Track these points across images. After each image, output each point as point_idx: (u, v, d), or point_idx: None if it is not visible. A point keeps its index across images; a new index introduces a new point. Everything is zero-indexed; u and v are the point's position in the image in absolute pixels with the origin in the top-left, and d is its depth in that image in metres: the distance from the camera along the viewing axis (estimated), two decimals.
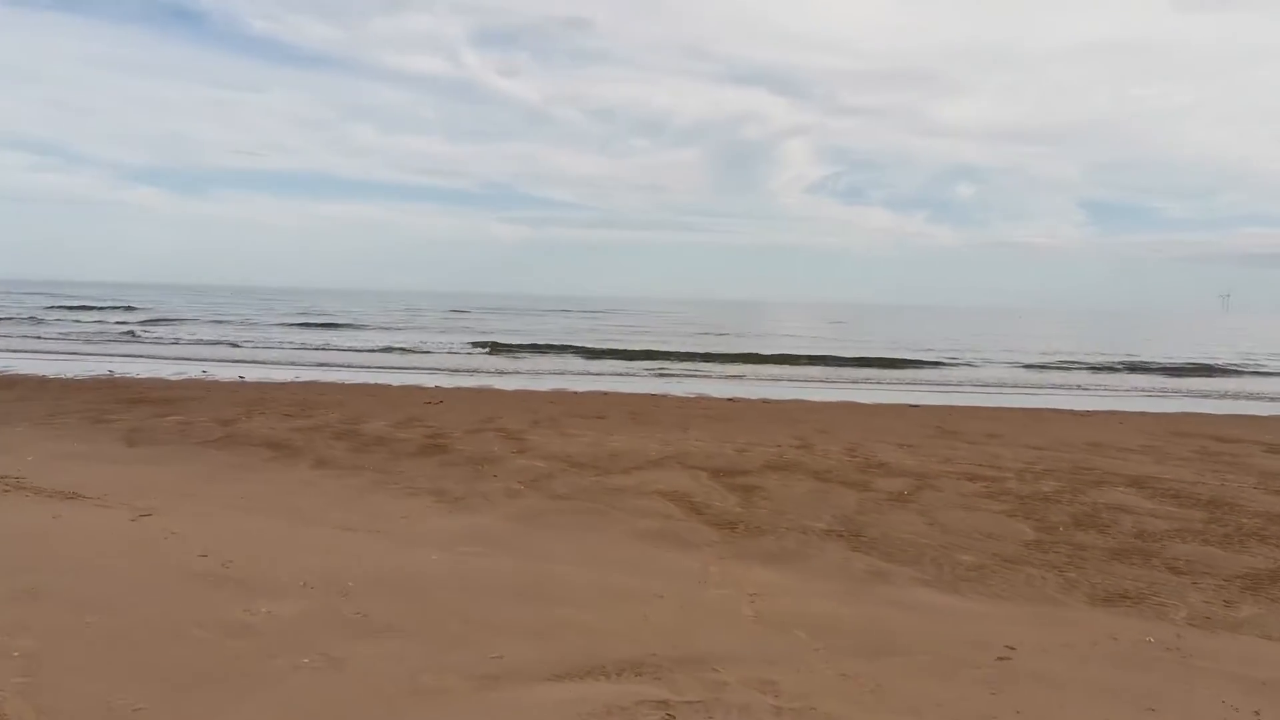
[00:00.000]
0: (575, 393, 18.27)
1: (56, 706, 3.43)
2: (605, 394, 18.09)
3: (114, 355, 26.06)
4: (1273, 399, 21.38)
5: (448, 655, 4.08)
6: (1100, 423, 14.47)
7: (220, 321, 48.53)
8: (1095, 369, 30.66)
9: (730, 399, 17.62)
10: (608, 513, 7.35)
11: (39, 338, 32.85)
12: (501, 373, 24.12)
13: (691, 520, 7.13)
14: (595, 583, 5.35)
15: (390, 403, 14.77)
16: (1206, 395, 22.20)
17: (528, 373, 24.50)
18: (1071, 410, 16.65)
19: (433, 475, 8.66)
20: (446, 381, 20.22)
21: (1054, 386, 24.09)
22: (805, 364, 29.87)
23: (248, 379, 18.88)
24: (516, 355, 31.87)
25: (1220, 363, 33.55)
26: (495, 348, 33.92)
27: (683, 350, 33.78)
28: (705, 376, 24.82)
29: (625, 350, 33.15)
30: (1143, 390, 23.71)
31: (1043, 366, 30.67)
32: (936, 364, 30.70)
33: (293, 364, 24.61)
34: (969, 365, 30.88)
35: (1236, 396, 21.89)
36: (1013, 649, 4.40)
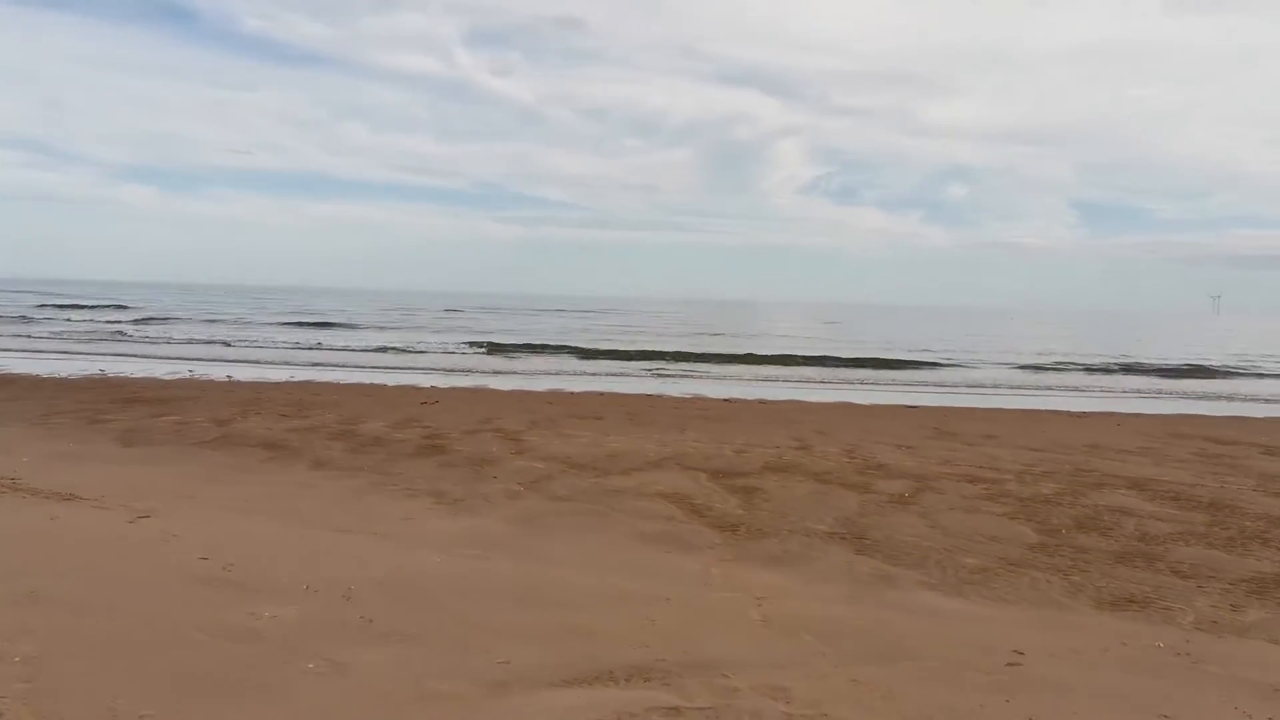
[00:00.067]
0: (571, 393, 18.23)
1: (59, 712, 3.38)
2: (601, 394, 18.05)
3: (105, 354, 25.91)
4: (1268, 400, 21.44)
5: (454, 661, 4.04)
6: (1097, 424, 14.48)
7: (213, 320, 48.36)
8: (1090, 370, 30.73)
9: (726, 399, 17.59)
10: (608, 514, 7.31)
11: (29, 336, 32.67)
12: (497, 373, 24.05)
13: (693, 522, 7.10)
14: (598, 586, 5.31)
15: (386, 403, 14.70)
16: (1202, 397, 22.26)
17: (523, 373, 24.43)
18: (1068, 411, 16.67)
19: (431, 476, 8.61)
20: (442, 381, 20.15)
21: (1049, 388, 24.11)
22: (800, 364, 29.86)
23: (242, 379, 18.78)
24: (513, 355, 31.81)
25: (1215, 364, 33.64)
26: (493, 348, 33.85)
27: (677, 350, 33.75)
28: (700, 377, 24.80)
29: (620, 350, 33.12)
30: (1138, 392, 23.76)
31: (1037, 368, 30.72)
32: (932, 365, 30.73)
33: (287, 364, 24.49)
34: (964, 366, 30.91)
35: (1231, 398, 21.94)
36: (1021, 654, 4.37)
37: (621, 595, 5.13)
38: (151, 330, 38.32)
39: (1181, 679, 4.15)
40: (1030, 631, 4.76)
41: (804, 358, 31.91)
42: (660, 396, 17.82)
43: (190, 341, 32.98)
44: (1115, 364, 32.79)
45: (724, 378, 24.74)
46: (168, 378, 18.61)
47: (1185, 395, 22.78)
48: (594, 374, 24.60)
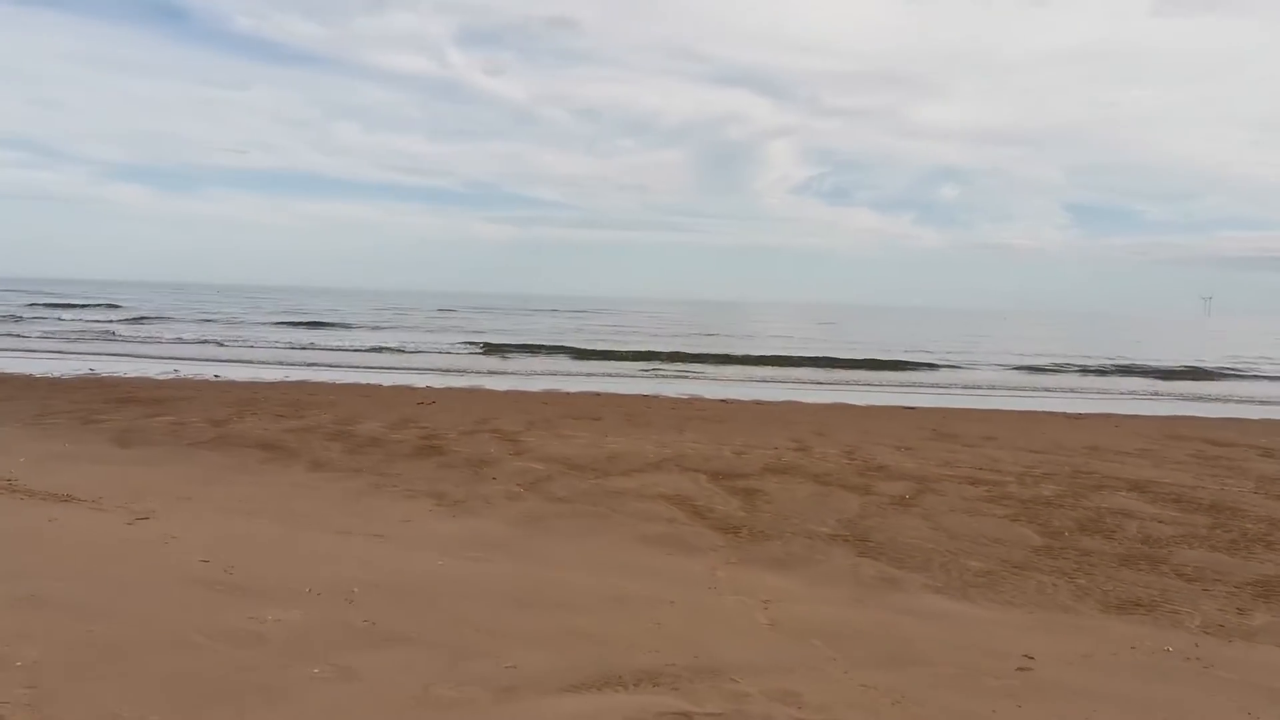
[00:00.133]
0: (568, 393, 18.17)
1: (62, 718, 3.33)
2: (598, 394, 18.00)
3: (97, 354, 25.77)
4: (1263, 402, 21.51)
5: (460, 665, 4.00)
6: (1095, 425, 14.49)
7: (206, 320, 48.14)
8: (1086, 371, 30.79)
9: (723, 400, 17.56)
10: (609, 516, 7.27)
11: (20, 336, 32.49)
12: (492, 373, 23.99)
13: (695, 524, 7.06)
14: (602, 589, 5.27)
15: (383, 403, 14.64)
16: (1198, 398, 22.30)
17: (519, 373, 24.38)
18: (1065, 413, 16.67)
19: (430, 477, 8.56)
20: (437, 381, 20.08)
21: (1046, 389, 24.14)
22: (797, 365, 29.84)
23: (237, 379, 18.69)
24: (508, 355, 31.74)
25: (1210, 365, 33.75)
26: (488, 348, 33.76)
27: (673, 351, 33.71)
28: (696, 378, 24.77)
29: (615, 351, 33.08)
30: (1134, 393, 23.80)
31: (1034, 369, 30.75)
32: (928, 366, 30.74)
33: (281, 363, 24.39)
34: (960, 367, 30.93)
35: (1227, 400, 22.01)
36: (1031, 659, 4.35)
37: (626, 598, 5.09)
38: (143, 329, 38.13)
39: (1193, 684, 4.13)
40: (1038, 635, 4.74)
41: (799, 358, 31.90)
42: (657, 397, 17.78)
43: (179, 340, 32.85)
44: (1111, 365, 32.86)
45: (720, 378, 24.71)
46: (161, 378, 18.51)
47: (1181, 397, 22.82)
48: (590, 374, 24.55)
